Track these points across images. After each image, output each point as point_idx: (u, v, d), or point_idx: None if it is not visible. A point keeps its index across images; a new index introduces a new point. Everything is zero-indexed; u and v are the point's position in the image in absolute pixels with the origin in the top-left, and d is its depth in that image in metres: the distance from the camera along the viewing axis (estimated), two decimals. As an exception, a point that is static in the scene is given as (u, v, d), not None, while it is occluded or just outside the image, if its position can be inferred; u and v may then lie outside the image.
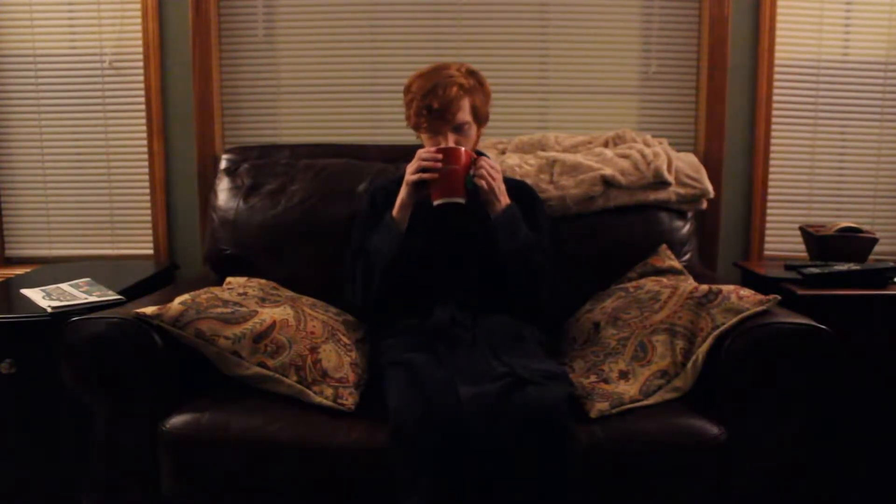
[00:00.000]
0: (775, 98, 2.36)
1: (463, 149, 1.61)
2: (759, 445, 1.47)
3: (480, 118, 1.72)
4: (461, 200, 1.59)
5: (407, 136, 2.35)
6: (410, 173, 1.61)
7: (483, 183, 1.60)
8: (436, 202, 1.59)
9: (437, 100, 1.63)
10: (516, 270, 1.66)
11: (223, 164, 2.18)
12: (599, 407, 1.44)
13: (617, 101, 2.41)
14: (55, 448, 1.70)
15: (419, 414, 1.34)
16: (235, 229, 2.04)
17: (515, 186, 1.79)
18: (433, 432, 1.32)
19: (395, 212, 1.66)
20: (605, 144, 2.19)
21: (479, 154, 1.73)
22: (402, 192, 1.65)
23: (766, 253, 2.42)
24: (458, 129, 1.67)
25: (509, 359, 1.48)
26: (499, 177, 1.65)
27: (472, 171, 1.61)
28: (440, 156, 1.58)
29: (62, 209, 2.45)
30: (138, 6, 2.32)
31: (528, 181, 1.96)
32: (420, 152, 1.61)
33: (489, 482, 1.32)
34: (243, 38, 2.39)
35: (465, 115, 1.67)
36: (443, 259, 1.72)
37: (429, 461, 1.31)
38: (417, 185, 1.61)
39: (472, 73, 1.71)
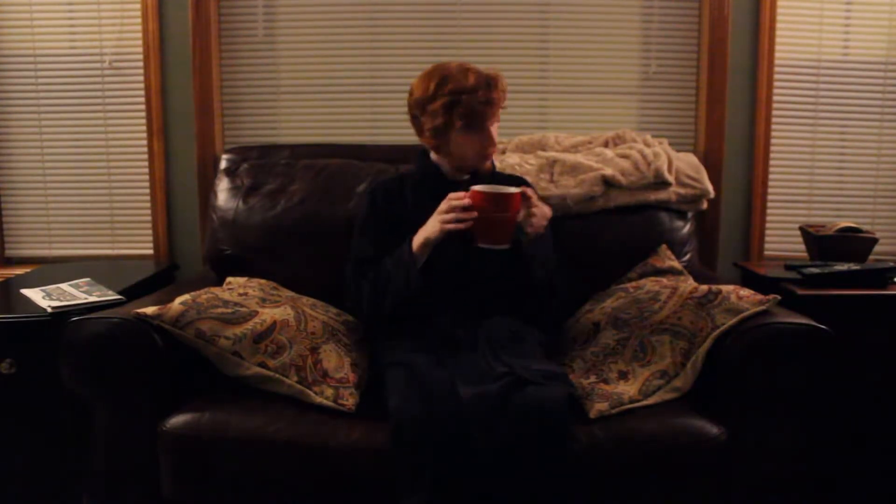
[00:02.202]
0: (775, 98, 2.36)
1: (517, 192, 1.50)
2: (759, 445, 1.47)
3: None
4: (506, 247, 1.50)
5: (407, 136, 2.35)
6: (445, 220, 1.51)
7: (532, 232, 1.56)
8: (480, 244, 1.50)
9: (496, 91, 1.63)
10: (540, 289, 1.67)
11: (223, 164, 2.18)
12: (599, 407, 1.44)
13: (617, 101, 2.41)
14: (55, 448, 1.70)
15: (419, 413, 1.34)
16: (235, 229, 2.03)
17: (515, 184, 1.79)
18: (433, 432, 1.32)
19: (415, 247, 1.58)
20: (605, 144, 2.19)
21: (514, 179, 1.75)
22: (431, 233, 1.55)
23: (766, 253, 2.42)
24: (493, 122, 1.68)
25: (509, 359, 1.48)
26: (546, 220, 1.60)
27: (521, 218, 1.52)
28: (479, 203, 1.47)
29: (62, 209, 2.45)
30: (138, 6, 2.32)
31: (528, 180, 1.96)
32: (451, 197, 1.52)
33: (489, 482, 1.32)
34: (243, 38, 2.39)
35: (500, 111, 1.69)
36: (448, 267, 1.68)
37: (429, 460, 1.31)
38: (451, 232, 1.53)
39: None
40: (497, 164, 1.93)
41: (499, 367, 1.45)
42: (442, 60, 1.74)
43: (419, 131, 1.74)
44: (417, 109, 1.70)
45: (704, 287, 1.62)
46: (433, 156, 1.77)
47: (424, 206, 1.63)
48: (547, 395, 1.36)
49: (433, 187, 1.70)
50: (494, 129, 1.68)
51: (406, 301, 1.60)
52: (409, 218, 1.67)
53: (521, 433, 1.32)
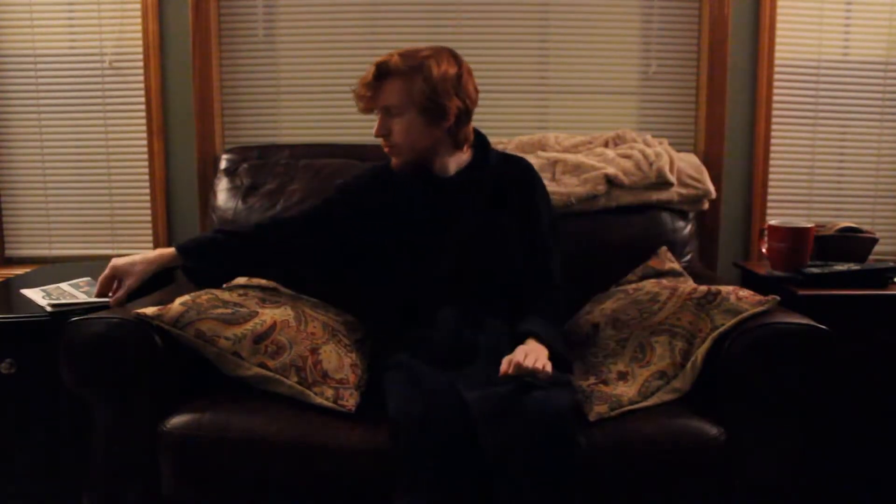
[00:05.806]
0: (775, 98, 2.36)
1: (812, 227, 1.88)
2: (759, 445, 1.47)
3: (420, 104, 1.61)
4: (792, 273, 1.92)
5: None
6: None
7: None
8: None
9: (361, 83, 1.65)
10: None
11: (223, 164, 2.18)
12: (598, 410, 1.44)
13: (617, 101, 2.41)
14: (55, 448, 1.70)
15: (420, 413, 1.34)
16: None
17: (516, 167, 1.76)
18: (433, 433, 1.32)
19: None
20: (606, 144, 2.19)
21: None
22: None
23: (767, 253, 2.42)
24: (387, 111, 1.64)
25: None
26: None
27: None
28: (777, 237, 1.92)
29: (62, 209, 2.45)
30: (138, 6, 2.32)
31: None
32: None
33: (490, 484, 1.32)
34: (243, 38, 2.39)
35: (390, 98, 1.61)
36: (441, 270, 1.65)
37: (428, 462, 1.30)
38: None
39: (410, 57, 1.61)
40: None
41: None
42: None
43: None
44: None
45: (704, 288, 1.62)
46: None
47: (411, 196, 1.69)
48: (554, 399, 1.34)
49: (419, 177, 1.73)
50: (394, 124, 1.64)
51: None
52: (393, 209, 1.71)
53: (527, 436, 1.30)
